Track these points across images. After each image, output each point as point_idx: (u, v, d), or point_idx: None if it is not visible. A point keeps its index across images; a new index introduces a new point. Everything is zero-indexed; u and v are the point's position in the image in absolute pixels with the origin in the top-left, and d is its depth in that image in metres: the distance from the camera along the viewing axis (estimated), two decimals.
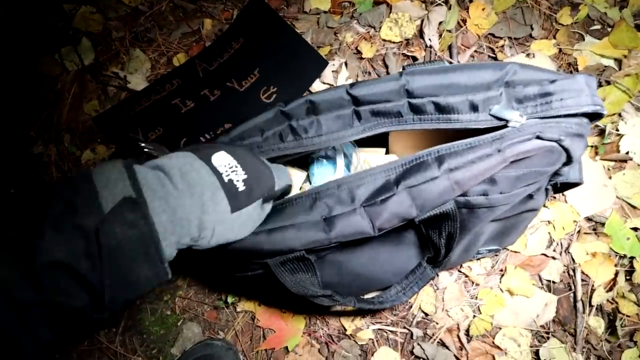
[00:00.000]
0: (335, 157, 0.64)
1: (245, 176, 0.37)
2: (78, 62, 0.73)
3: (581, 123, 0.40)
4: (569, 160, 0.41)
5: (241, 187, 0.36)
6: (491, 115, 0.41)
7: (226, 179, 0.36)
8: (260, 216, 0.40)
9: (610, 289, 0.61)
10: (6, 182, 0.67)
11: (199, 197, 0.33)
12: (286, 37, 0.72)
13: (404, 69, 0.45)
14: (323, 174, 0.62)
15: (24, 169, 0.68)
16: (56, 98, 0.72)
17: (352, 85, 0.46)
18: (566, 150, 0.39)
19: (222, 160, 0.37)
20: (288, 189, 0.44)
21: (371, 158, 0.57)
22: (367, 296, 0.61)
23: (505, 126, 0.41)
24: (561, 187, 0.52)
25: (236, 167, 0.37)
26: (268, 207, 0.41)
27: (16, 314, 0.27)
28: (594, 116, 0.41)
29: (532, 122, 0.40)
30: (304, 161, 0.63)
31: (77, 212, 0.29)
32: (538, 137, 0.39)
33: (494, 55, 0.70)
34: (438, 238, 0.46)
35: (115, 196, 0.30)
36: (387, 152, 0.60)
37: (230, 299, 0.62)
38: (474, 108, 0.42)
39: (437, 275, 0.64)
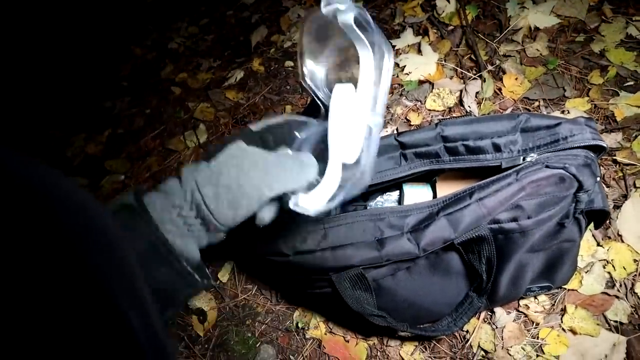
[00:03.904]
0: (390, 203, 0.75)
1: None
2: (196, 140, 0.99)
3: (587, 155, 0.47)
4: (580, 186, 0.47)
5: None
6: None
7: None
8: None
9: None
10: None
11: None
12: None
13: (439, 122, 0.57)
14: None
15: None
16: (178, 166, 0.96)
17: (399, 133, 0.59)
18: (573, 175, 0.46)
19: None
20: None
21: (419, 197, 0.68)
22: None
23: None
24: (595, 218, 0.57)
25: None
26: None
27: None
28: (598, 149, 0.48)
29: (545, 156, 0.49)
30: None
31: None
32: (547, 166, 0.47)
33: None
34: (479, 263, 0.53)
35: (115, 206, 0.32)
36: (434, 197, 0.69)
37: (300, 325, 0.71)
38: (497, 149, 0.52)
39: (494, 314, 0.66)
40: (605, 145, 0.46)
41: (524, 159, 0.49)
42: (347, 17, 0.34)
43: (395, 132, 0.86)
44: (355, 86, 0.37)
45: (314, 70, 0.43)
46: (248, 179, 0.33)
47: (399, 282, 0.56)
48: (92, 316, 0.21)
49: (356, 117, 0.37)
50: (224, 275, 0.79)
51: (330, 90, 0.40)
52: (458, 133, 0.54)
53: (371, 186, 0.60)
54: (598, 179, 0.47)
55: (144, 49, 1.30)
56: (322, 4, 0.35)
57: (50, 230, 0.20)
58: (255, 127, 0.40)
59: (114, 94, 1.20)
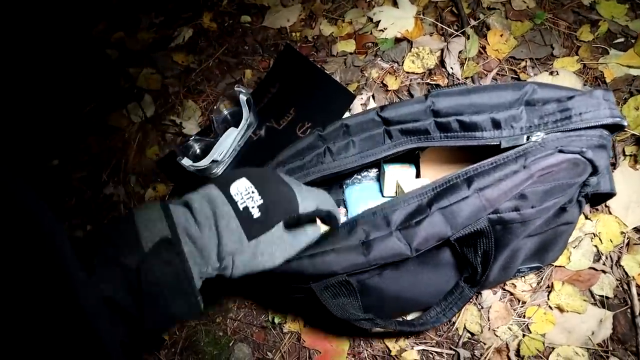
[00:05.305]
0: (368, 180, 0.68)
1: (261, 201, 0.37)
2: (141, 114, 0.85)
3: (602, 135, 0.41)
4: (594, 171, 0.42)
5: (256, 213, 0.36)
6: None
7: (241, 207, 0.36)
8: (292, 243, 0.39)
9: None
10: (84, 220, 0.78)
11: (215, 228, 0.35)
12: (317, 78, 0.80)
13: (429, 92, 0.49)
14: (357, 195, 0.66)
15: (97, 207, 0.79)
16: (124, 146, 0.83)
17: (382, 108, 0.50)
18: (590, 161, 0.40)
19: (240, 187, 0.37)
20: (328, 213, 0.42)
21: (401, 176, 0.60)
22: (408, 317, 0.62)
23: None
24: (596, 199, 0.52)
25: (253, 192, 0.37)
26: (303, 233, 0.40)
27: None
28: (615, 128, 0.42)
29: (553, 136, 0.41)
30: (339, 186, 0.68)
31: (122, 252, 0.33)
32: (560, 151, 0.40)
33: (516, 77, 0.73)
34: (474, 257, 0.47)
35: (154, 236, 0.33)
36: (417, 176, 0.63)
37: (277, 320, 0.65)
38: (497, 125, 0.45)
39: (480, 294, 0.63)
40: (625, 123, 0.40)
41: (528, 139, 0.42)
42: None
43: (371, 98, 0.77)
44: None
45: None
46: (264, 263, 0.39)
47: (385, 281, 0.50)
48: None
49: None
50: None
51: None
52: (451, 106, 0.46)
53: (351, 169, 0.52)
54: (611, 159, 0.42)
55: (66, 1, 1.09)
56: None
57: None
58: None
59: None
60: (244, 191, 0.37)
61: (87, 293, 0.28)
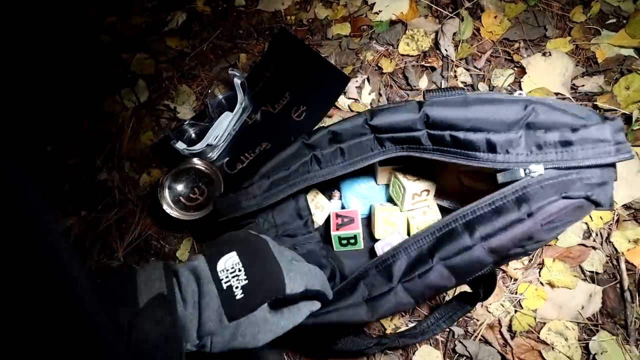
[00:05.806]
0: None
1: (246, 282, 0.36)
2: (135, 100, 0.85)
3: (603, 170, 0.38)
4: (598, 206, 0.39)
5: (239, 294, 0.35)
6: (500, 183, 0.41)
7: (225, 285, 0.35)
8: (279, 324, 0.37)
9: None
10: (78, 206, 0.78)
11: (197, 305, 0.35)
12: (312, 61, 0.79)
13: (424, 95, 0.46)
14: (351, 178, 0.66)
15: (92, 193, 0.78)
16: (117, 131, 0.83)
17: (371, 114, 0.47)
18: (595, 202, 0.38)
19: (228, 263, 0.37)
20: (317, 293, 0.41)
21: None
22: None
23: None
24: None
25: (240, 271, 0.36)
26: (294, 313, 0.39)
27: None
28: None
29: (552, 172, 0.38)
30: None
31: (117, 307, 0.32)
32: (566, 197, 0.37)
33: (510, 58, 0.73)
34: (476, 289, 0.47)
35: (150, 293, 0.33)
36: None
37: None
38: (492, 149, 0.41)
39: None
40: (631, 158, 0.37)
41: (525, 172, 0.39)
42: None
43: (366, 81, 0.77)
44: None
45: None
46: (246, 344, 0.37)
47: None
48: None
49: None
50: (183, 254, 0.71)
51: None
52: (447, 118, 0.43)
53: (339, 176, 0.50)
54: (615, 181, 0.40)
55: None
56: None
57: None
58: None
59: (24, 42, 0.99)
60: (230, 268, 0.36)
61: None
